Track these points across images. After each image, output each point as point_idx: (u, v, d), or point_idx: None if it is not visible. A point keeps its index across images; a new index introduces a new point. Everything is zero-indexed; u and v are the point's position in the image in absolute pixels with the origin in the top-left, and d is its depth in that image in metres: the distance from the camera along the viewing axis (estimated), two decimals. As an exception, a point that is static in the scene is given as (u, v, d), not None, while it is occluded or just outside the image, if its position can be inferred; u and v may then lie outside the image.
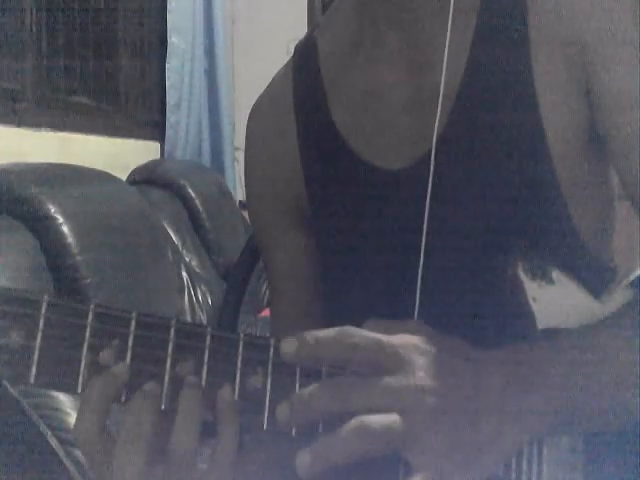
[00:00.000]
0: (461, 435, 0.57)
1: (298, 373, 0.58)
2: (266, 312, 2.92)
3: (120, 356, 0.55)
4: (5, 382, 1.46)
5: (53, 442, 1.53)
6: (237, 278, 1.39)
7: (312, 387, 0.57)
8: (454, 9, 0.75)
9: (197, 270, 2.90)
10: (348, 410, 0.56)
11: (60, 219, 1.85)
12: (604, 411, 0.61)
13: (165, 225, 2.75)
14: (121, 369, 0.55)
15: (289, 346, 0.57)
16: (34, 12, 2.64)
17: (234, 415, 0.57)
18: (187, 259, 2.89)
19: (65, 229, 1.84)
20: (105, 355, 0.55)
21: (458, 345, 0.60)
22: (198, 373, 0.56)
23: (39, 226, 1.82)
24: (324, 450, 0.56)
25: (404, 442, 0.56)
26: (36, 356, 0.53)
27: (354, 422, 0.55)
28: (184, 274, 2.77)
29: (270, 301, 0.94)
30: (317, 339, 0.57)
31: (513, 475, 0.62)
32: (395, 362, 0.57)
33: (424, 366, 0.57)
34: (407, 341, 0.58)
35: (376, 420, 0.55)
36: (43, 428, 1.53)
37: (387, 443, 0.56)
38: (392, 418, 0.56)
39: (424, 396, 0.57)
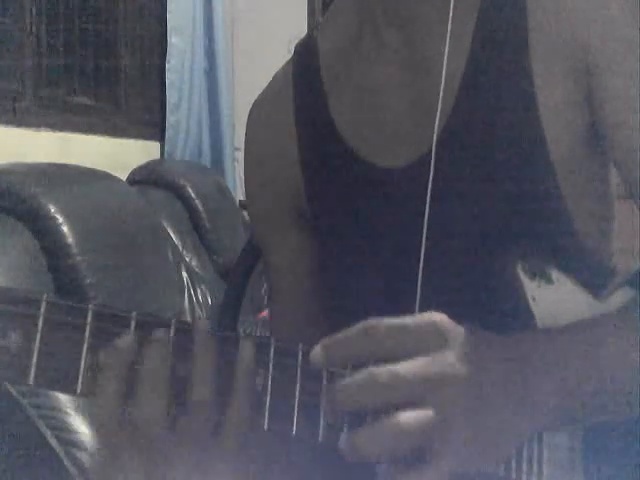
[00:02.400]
0: (484, 423, 0.57)
1: (299, 374, 0.58)
2: (266, 312, 2.92)
3: None
4: (5, 382, 1.46)
5: (53, 442, 1.53)
6: (237, 278, 1.39)
7: (342, 384, 0.57)
8: (454, 8, 0.75)
9: (197, 270, 2.90)
10: (382, 405, 0.56)
11: (60, 219, 1.85)
12: (610, 401, 0.61)
13: (165, 225, 2.75)
14: (125, 341, 0.54)
15: (317, 356, 0.57)
16: (34, 12, 2.64)
17: (252, 373, 0.57)
18: (187, 259, 2.88)
19: (65, 229, 1.84)
20: (104, 354, 0.54)
21: (482, 331, 0.60)
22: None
23: (39, 226, 1.82)
24: (358, 445, 0.56)
25: (434, 435, 0.56)
26: (35, 356, 0.53)
27: (389, 422, 0.55)
28: (184, 274, 2.77)
29: (269, 299, 0.93)
30: (342, 342, 0.57)
31: (513, 475, 0.62)
32: (424, 343, 0.57)
33: (453, 348, 0.57)
34: (435, 319, 0.58)
35: (411, 418, 0.55)
36: (43, 428, 1.53)
37: (421, 439, 0.56)
38: (427, 414, 0.55)
39: (456, 384, 0.56)
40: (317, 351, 0.57)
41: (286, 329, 0.87)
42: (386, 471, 0.58)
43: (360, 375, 0.56)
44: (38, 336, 0.53)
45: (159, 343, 0.55)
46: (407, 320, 0.57)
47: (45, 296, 0.53)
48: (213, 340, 0.56)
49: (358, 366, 0.57)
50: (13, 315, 0.52)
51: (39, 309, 0.53)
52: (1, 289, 0.52)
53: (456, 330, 0.58)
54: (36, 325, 0.53)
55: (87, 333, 0.54)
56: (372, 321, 0.57)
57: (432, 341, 0.57)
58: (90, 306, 0.54)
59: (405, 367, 0.56)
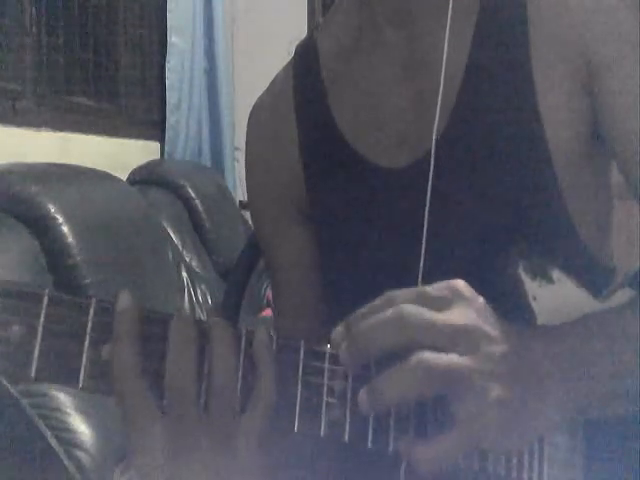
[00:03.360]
0: (512, 398, 0.56)
1: (300, 370, 0.58)
2: (266, 312, 2.93)
3: None
4: (5, 382, 1.46)
5: (53, 442, 1.53)
6: (237, 278, 1.38)
7: (375, 318, 0.56)
8: (453, 8, 0.75)
9: (197, 270, 2.90)
10: (411, 343, 0.55)
11: (60, 219, 1.85)
12: (623, 393, 0.61)
13: (165, 225, 2.75)
14: (124, 298, 0.54)
15: (338, 332, 0.57)
16: (34, 12, 2.64)
17: (271, 355, 0.56)
18: (187, 259, 2.88)
19: (65, 229, 1.85)
20: (107, 349, 0.54)
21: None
22: (200, 369, 0.56)
23: (39, 226, 1.83)
24: (381, 387, 0.55)
25: (459, 387, 0.55)
26: (37, 350, 0.53)
27: (414, 358, 0.54)
28: (184, 274, 2.77)
29: (272, 296, 0.94)
30: (365, 314, 0.57)
31: (514, 474, 0.62)
32: (447, 303, 0.57)
33: (474, 307, 0.57)
34: (452, 282, 0.58)
35: (437, 358, 0.54)
36: (43, 428, 1.53)
37: (445, 384, 0.55)
38: (454, 358, 0.55)
39: (488, 341, 0.56)
40: (340, 328, 0.58)
41: (290, 326, 0.88)
42: (406, 444, 0.57)
43: (388, 311, 0.56)
44: (40, 330, 0.53)
45: (183, 325, 0.55)
46: (427, 287, 0.58)
47: (47, 290, 0.53)
48: (230, 331, 0.56)
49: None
50: (15, 309, 0.52)
51: (41, 303, 0.53)
52: (4, 283, 0.53)
53: (476, 296, 0.58)
54: (38, 319, 0.53)
55: (89, 327, 0.54)
56: (392, 292, 0.57)
57: (455, 301, 0.57)
58: (92, 300, 0.55)
59: (432, 313, 0.56)
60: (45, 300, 0.53)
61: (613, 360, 0.60)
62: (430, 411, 0.58)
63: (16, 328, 0.52)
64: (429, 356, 0.55)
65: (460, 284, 0.58)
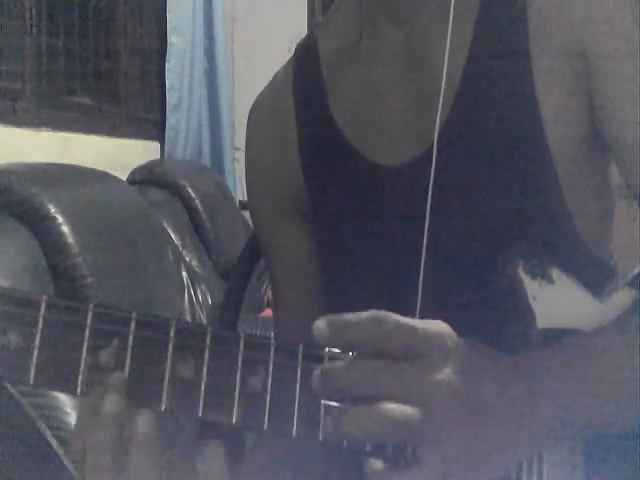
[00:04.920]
0: (475, 440, 0.57)
1: (299, 373, 0.57)
2: (266, 312, 2.93)
3: (120, 356, 0.55)
4: (5, 382, 1.46)
5: (53, 442, 1.53)
6: (237, 278, 1.38)
7: (342, 364, 0.56)
8: (454, 6, 0.75)
9: (197, 270, 2.90)
10: (373, 395, 0.56)
11: (60, 219, 1.84)
12: (612, 417, 0.61)
13: (165, 225, 2.75)
14: (118, 379, 0.54)
15: (322, 330, 0.57)
16: (34, 12, 2.64)
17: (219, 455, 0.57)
18: (187, 259, 2.88)
19: (65, 229, 1.84)
20: (105, 356, 0.54)
21: (483, 347, 0.59)
22: (198, 373, 0.56)
23: (39, 226, 1.82)
24: (342, 426, 0.56)
25: (420, 437, 0.56)
26: (35, 357, 0.52)
27: (375, 408, 0.55)
28: (184, 274, 2.77)
29: (272, 298, 0.94)
30: (349, 324, 0.57)
31: (513, 476, 0.62)
32: (427, 350, 0.57)
33: (452, 362, 0.57)
34: (441, 329, 0.57)
35: (396, 409, 0.55)
36: (43, 428, 1.53)
37: (403, 434, 0.55)
38: (412, 411, 0.55)
39: (449, 395, 0.56)
40: (322, 325, 0.57)
41: (289, 326, 0.88)
42: (372, 470, 0.57)
43: (352, 361, 0.56)
44: (38, 336, 0.52)
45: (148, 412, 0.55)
46: (416, 323, 0.57)
47: (45, 296, 0.53)
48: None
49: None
50: (13, 315, 0.52)
51: (39, 309, 0.53)
52: (0, 289, 0.52)
53: (457, 344, 0.58)
54: (36, 325, 0.52)
55: (87, 333, 0.54)
56: (384, 313, 0.57)
57: (434, 350, 0.57)
58: (90, 306, 0.54)
59: (401, 368, 0.56)
60: (43, 306, 0.53)
61: (605, 390, 0.60)
62: None
63: (14, 334, 0.52)
64: (390, 407, 0.55)
65: (444, 332, 0.57)
